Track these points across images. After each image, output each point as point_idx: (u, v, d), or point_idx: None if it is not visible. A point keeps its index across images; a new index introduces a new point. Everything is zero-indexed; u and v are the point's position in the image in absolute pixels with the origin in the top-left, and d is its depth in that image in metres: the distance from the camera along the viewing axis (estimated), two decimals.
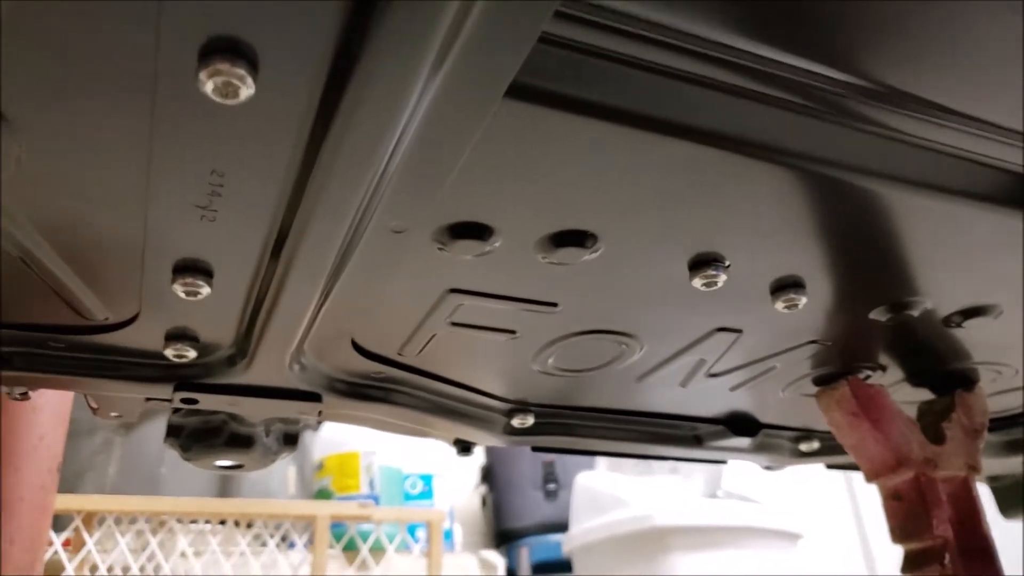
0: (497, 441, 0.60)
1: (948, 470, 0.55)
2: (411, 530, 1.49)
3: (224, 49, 0.24)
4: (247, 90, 0.25)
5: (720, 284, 0.40)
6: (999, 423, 0.69)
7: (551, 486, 2.11)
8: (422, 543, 1.47)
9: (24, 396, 0.53)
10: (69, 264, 0.37)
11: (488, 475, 2.23)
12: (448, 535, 1.65)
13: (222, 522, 1.39)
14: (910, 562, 0.54)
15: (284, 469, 1.64)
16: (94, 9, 0.23)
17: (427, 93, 0.27)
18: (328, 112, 0.27)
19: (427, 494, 1.64)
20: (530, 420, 0.58)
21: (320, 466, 1.60)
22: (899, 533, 0.54)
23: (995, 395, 0.64)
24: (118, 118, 0.27)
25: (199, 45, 0.24)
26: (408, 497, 1.60)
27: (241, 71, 0.24)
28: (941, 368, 0.57)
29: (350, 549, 1.45)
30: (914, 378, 0.59)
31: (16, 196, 0.32)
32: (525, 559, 2.14)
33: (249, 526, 1.40)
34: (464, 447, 0.63)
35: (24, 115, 0.28)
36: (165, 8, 0.23)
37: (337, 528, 1.43)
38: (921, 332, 0.51)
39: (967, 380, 0.58)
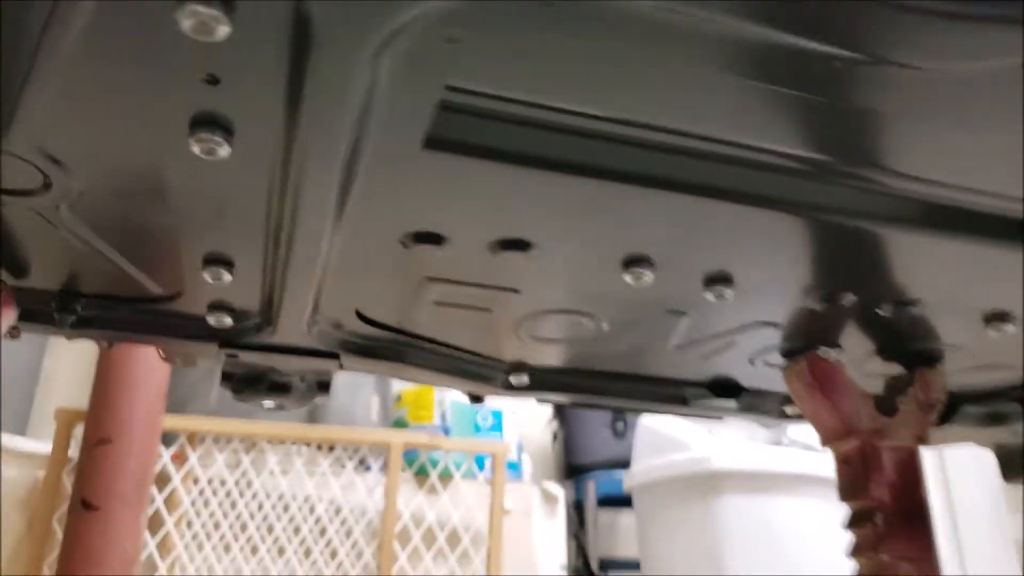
0: (500, 395, 0.69)
1: (895, 440, 0.60)
2: (478, 460, 1.61)
3: None
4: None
5: (648, 280, 0.47)
6: (982, 396, 0.73)
7: (619, 425, 2.20)
8: (488, 472, 1.59)
9: (111, 345, 0.66)
10: (124, 255, 0.48)
11: (560, 412, 2.35)
12: (515, 466, 1.76)
13: (307, 445, 1.54)
14: (851, 520, 0.60)
15: (368, 399, 1.78)
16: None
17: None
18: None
19: (497, 427, 1.76)
20: (525, 379, 0.66)
21: (399, 398, 1.74)
22: (843, 493, 0.60)
23: (974, 370, 0.68)
24: None
25: None
26: (478, 430, 1.72)
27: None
28: (903, 347, 0.62)
29: (421, 474, 1.58)
30: (882, 354, 0.64)
31: (79, 215, 0.43)
32: (591, 492, 2.25)
33: (331, 449, 1.55)
34: (475, 397, 0.72)
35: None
36: None
37: (409, 455, 1.57)
38: (876, 315, 0.57)
39: (929, 358, 0.63)
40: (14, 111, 0.34)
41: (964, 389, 0.72)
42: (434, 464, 1.57)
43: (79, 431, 1.34)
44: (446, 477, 1.59)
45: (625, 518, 2.14)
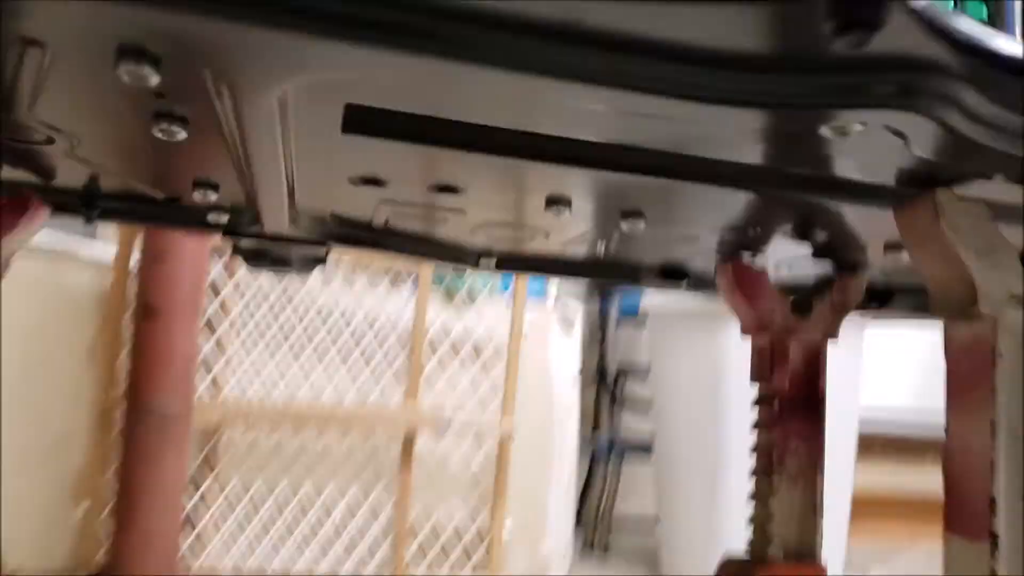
0: (475, 271, 0.79)
1: (805, 335, 0.69)
2: (504, 282, 1.74)
3: None
4: None
5: (567, 217, 0.55)
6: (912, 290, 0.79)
7: None
8: (511, 292, 1.72)
9: None
10: (127, 176, 0.57)
11: None
12: (539, 286, 1.89)
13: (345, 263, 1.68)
14: (756, 399, 0.70)
15: None
16: None
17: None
18: None
19: None
20: (493, 263, 0.75)
21: None
22: (752, 376, 0.70)
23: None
24: None
25: None
26: None
27: None
28: (830, 254, 0.69)
29: (449, 292, 1.72)
30: (812, 257, 0.71)
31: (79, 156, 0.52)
32: (615, 307, 2.40)
33: (366, 268, 1.69)
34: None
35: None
36: None
37: (439, 275, 1.70)
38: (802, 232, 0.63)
39: (852, 266, 0.69)
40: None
41: (898, 283, 0.78)
42: (461, 284, 1.71)
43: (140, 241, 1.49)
44: (472, 295, 1.73)
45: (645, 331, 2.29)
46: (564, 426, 1.79)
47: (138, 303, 1.48)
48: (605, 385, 2.38)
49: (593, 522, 2.35)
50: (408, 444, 1.64)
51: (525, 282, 1.68)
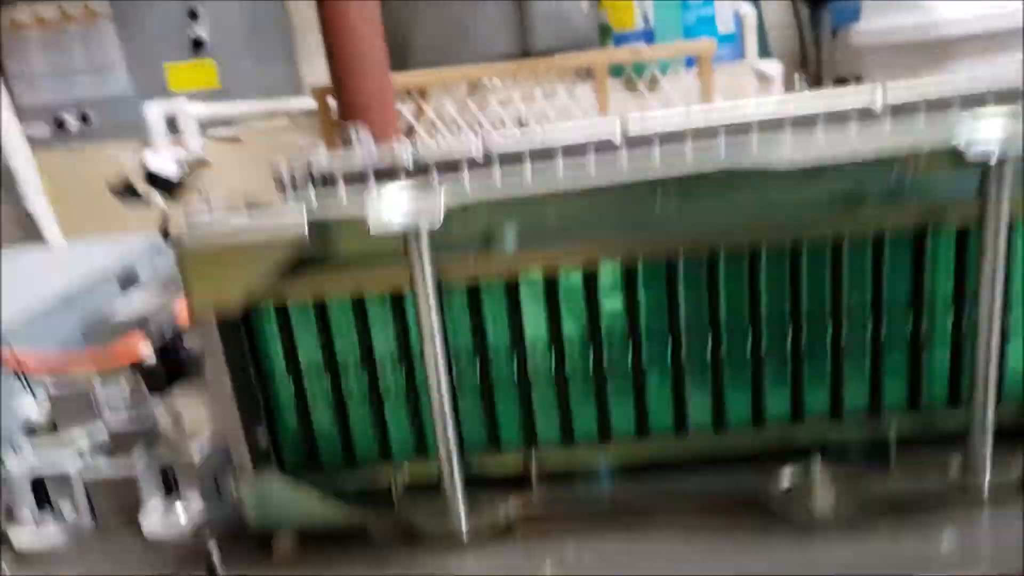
0: None
1: None
2: (687, 60, 1.62)
3: None
4: None
5: None
6: None
7: None
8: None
9: None
10: None
11: None
12: (731, 38, 1.74)
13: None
14: None
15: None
16: None
17: None
18: None
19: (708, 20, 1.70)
20: None
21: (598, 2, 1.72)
22: None
23: None
24: None
25: None
26: (686, 30, 1.67)
27: None
28: None
29: (630, 80, 1.65)
30: None
31: None
32: (827, 19, 2.13)
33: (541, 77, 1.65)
34: None
35: None
36: None
37: (616, 69, 1.62)
38: None
39: None
40: None
41: None
42: (640, 72, 1.62)
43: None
44: (654, 81, 1.64)
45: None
46: None
47: None
48: None
49: None
50: None
51: (710, 58, 1.56)
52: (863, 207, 0.38)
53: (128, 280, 0.83)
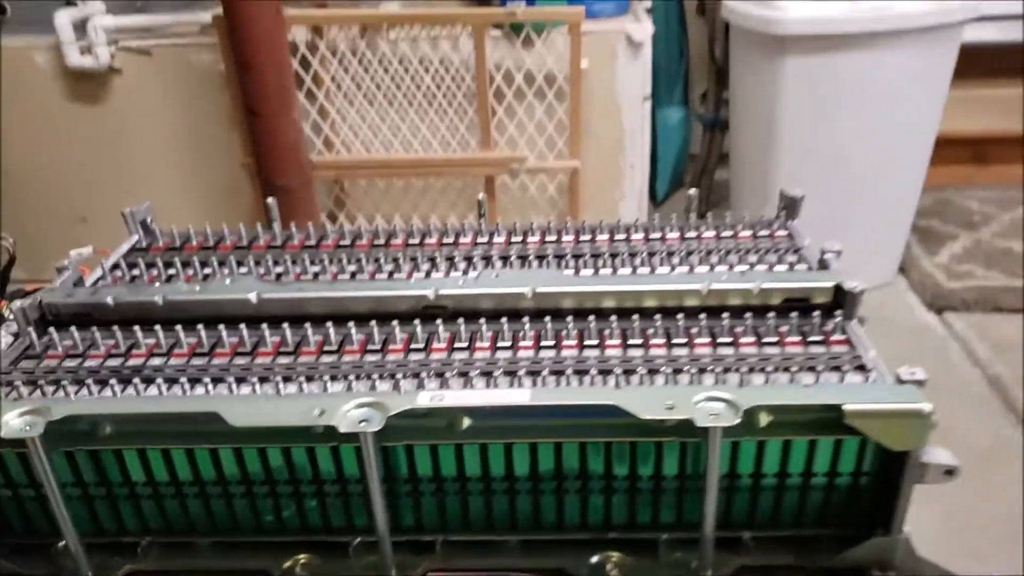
0: None
1: None
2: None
3: None
4: None
5: None
6: None
7: None
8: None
9: None
10: None
11: None
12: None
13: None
14: None
15: None
16: None
17: None
18: None
19: None
20: None
21: None
22: None
23: None
24: None
25: None
26: None
27: None
28: None
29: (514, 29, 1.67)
30: None
31: None
32: None
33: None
34: None
35: None
36: None
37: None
38: None
39: None
40: None
41: None
42: (517, 30, 1.65)
43: None
44: (538, 31, 1.67)
45: None
46: (635, 141, 1.81)
47: (241, 105, 1.60)
48: (715, 63, 2.25)
49: (697, 182, 2.42)
50: (490, 182, 1.77)
51: (579, 26, 1.60)
52: None
53: None
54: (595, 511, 0.54)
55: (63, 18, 1.70)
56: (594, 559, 0.54)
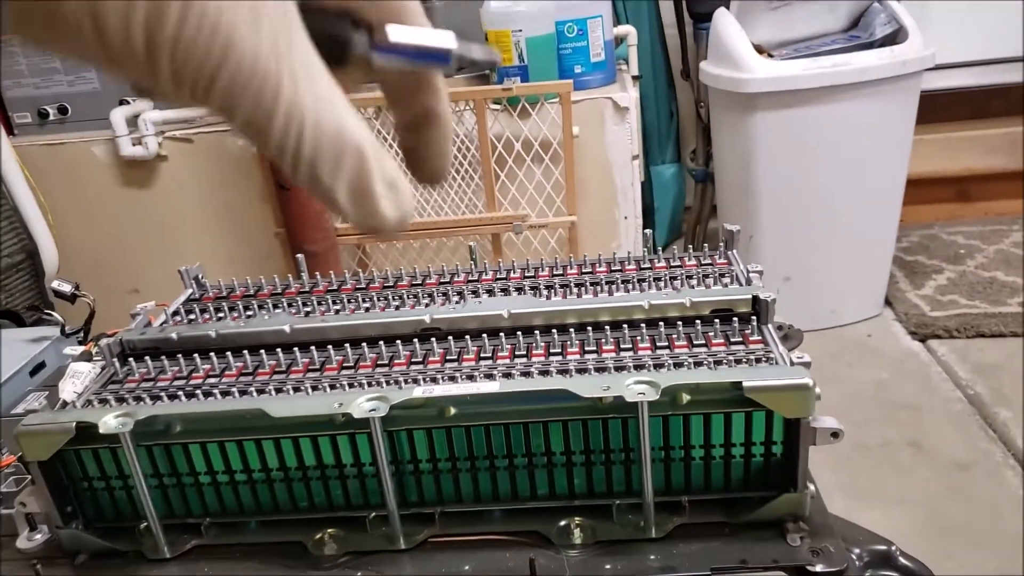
0: None
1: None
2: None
3: None
4: None
5: None
6: None
7: None
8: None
9: None
10: None
11: None
12: (602, 66, 1.93)
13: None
14: None
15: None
16: None
17: None
18: None
19: (580, 52, 1.88)
20: None
21: (486, 37, 1.90)
22: None
23: None
24: None
25: None
26: (560, 59, 1.86)
27: None
28: None
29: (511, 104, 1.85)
30: None
31: None
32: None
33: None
34: None
35: None
36: None
37: (496, 99, 1.82)
38: None
39: None
40: None
41: None
42: (513, 103, 1.82)
43: None
44: (532, 103, 1.85)
45: None
46: (627, 195, 1.96)
47: (272, 182, 1.79)
48: (702, 121, 2.41)
49: (693, 231, 2.57)
50: (496, 239, 1.92)
51: (569, 97, 1.77)
52: None
53: None
54: (560, 483, 0.67)
55: (118, 115, 1.90)
56: (562, 523, 0.66)
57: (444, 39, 0.30)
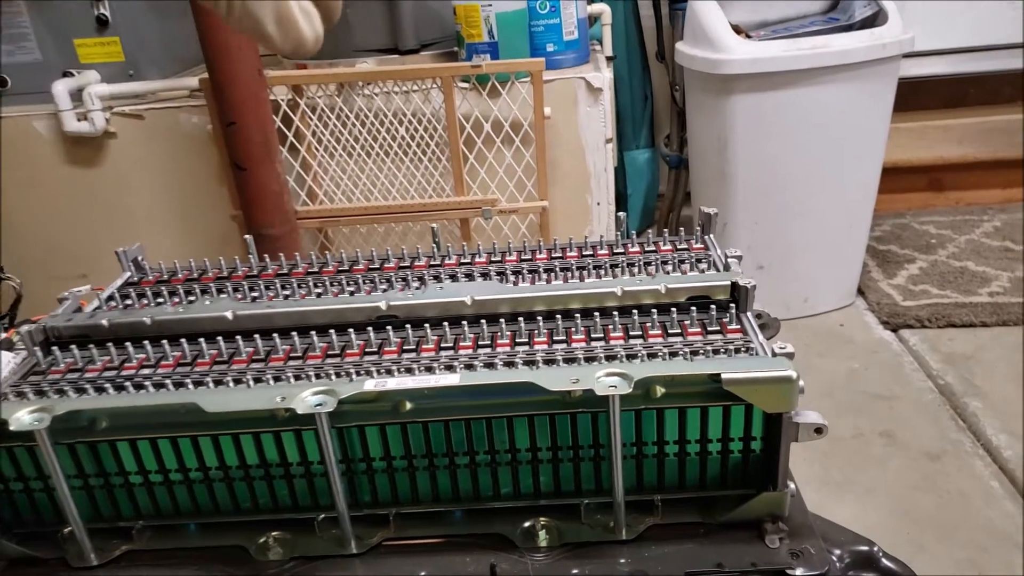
0: None
1: None
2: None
3: None
4: None
5: None
6: None
7: None
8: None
9: None
10: None
11: None
12: (575, 45, 1.88)
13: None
14: None
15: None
16: None
17: None
18: None
19: (552, 28, 1.82)
20: None
21: (455, 12, 1.84)
22: None
23: None
24: None
25: None
26: (532, 36, 1.80)
27: None
28: None
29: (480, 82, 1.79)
30: None
31: None
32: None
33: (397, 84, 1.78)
34: None
35: None
36: None
37: (465, 76, 1.76)
38: None
39: None
40: None
41: None
42: (483, 81, 1.77)
43: None
44: (502, 81, 1.79)
45: None
46: (600, 180, 1.92)
47: (228, 161, 1.71)
48: (676, 105, 2.38)
49: (666, 218, 2.54)
50: (465, 224, 1.87)
51: (540, 74, 1.71)
52: None
53: None
54: (525, 481, 0.63)
55: (61, 88, 1.81)
56: (526, 524, 0.62)
57: None
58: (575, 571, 0.58)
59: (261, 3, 0.35)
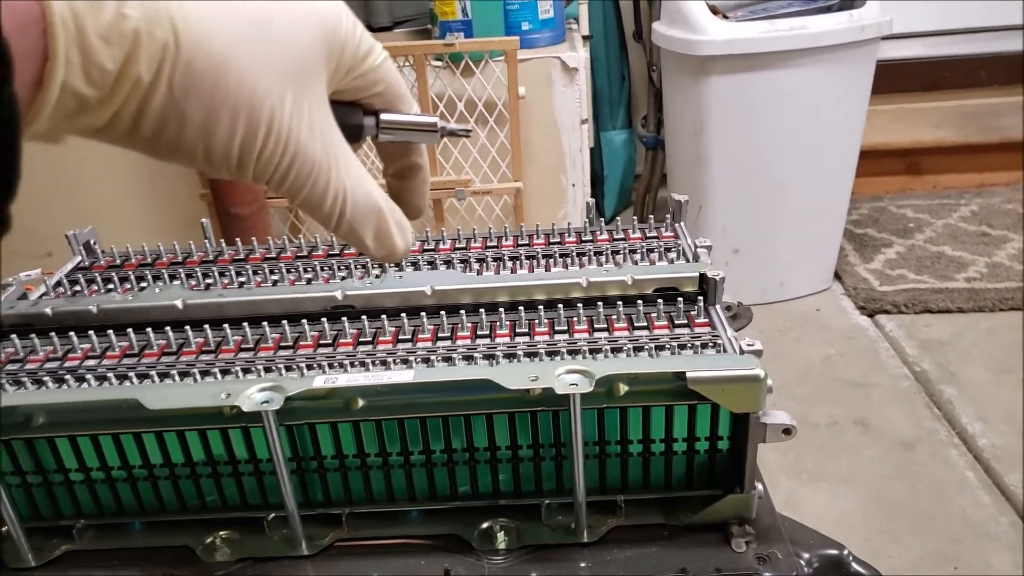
0: None
1: None
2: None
3: None
4: None
5: None
6: None
7: None
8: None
9: None
10: None
11: None
12: (551, 23, 1.85)
13: None
14: None
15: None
16: None
17: None
18: None
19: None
20: None
21: None
22: None
23: None
24: None
25: None
26: (508, 16, 1.76)
27: None
28: None
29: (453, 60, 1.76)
30: None
31: None
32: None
33: None
34: None
35: None
36: None
37: (437, 55, 1.72)
38: None
39: None
40: None
41: None
42: (456, 59, 1.73)
43: None
44: (476, 60, 1.75)
45: None
46: (575, 161, 1.89)
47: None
48: (653, 86, 2.35)
49: (642, 200, 2.51)
50: (438, 204, 1.84)
51: (515, 54, 1.68)
52: None
53: None
54: (484, 480, 0.60)
55: None
56: (484, 525, 0.60)
57: (430, 118, 0.44)
58: (534, 574, 0.56)
59: (365, 222, 0.39)
